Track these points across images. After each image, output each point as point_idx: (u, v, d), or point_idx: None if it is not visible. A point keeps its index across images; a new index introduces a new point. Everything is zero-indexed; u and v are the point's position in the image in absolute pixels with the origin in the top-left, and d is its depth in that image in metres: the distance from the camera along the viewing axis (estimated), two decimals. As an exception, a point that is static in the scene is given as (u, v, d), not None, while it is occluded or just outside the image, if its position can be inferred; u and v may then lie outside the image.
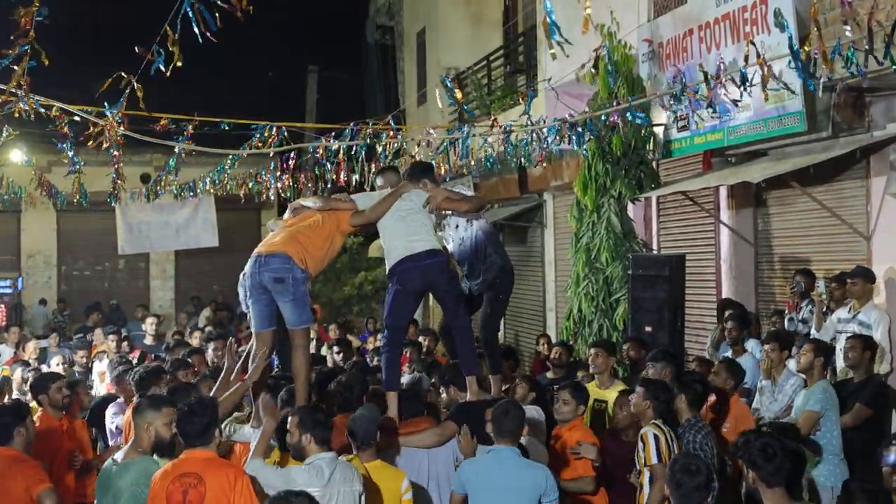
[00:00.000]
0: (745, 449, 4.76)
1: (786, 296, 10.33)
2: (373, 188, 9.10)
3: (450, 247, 7.68)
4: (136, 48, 7.02)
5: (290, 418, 5.79)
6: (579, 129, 9.68)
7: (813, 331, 8.92)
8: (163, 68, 6.94)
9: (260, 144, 10.37)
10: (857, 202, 9.66)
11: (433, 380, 8.10)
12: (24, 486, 5.98)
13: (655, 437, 6.19)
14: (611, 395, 8.08)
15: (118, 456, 5.81)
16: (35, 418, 7.06)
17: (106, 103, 7.97)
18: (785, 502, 4.73)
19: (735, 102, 8.24)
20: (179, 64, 6.85)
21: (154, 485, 5.34)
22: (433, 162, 11.22)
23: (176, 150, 10.11)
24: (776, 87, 7.48)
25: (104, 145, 8.22)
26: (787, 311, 9.86)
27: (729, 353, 9.26)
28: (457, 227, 7.66)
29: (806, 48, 6.97)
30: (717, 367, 8.01)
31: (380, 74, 25.90)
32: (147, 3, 6.79)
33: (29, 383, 7.70)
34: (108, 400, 8.36)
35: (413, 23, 22.81)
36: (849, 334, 8.13)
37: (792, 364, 8.29)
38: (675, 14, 11.23)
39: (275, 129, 10.38)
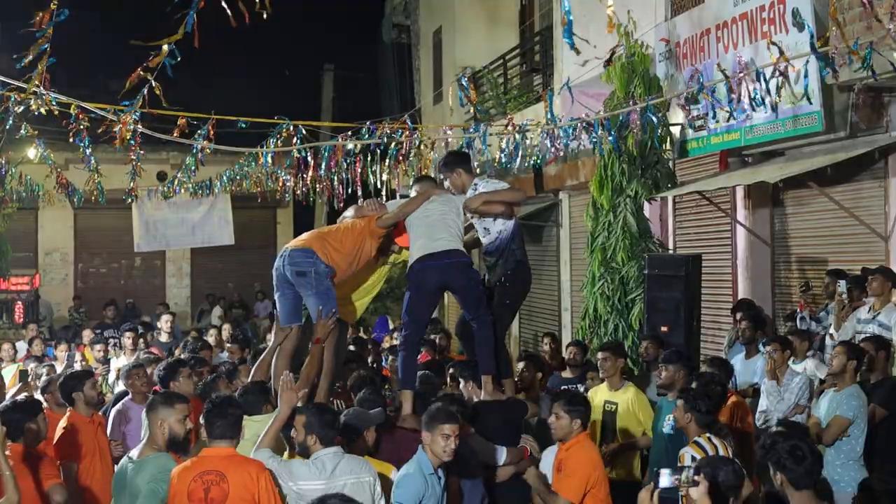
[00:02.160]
0: (772, 450, 4.60)
1: (799, 297, 10.30)
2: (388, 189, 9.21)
3: (483, 240, 7.61)
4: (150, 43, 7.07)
5: (296, 416, 5.77)
6: (596, 130, 9.67)
7: (832, 330, 8.88)
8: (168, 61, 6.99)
9: (280, 143, 10.41)
10: (875, 202, 9.61)
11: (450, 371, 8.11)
12: (35, 482, 6.05)
13: (693, 459, 5.59)
14: (622, 396, 8.07)
15: (133, 453, 5.83)
16: (64, 418, 7.14)
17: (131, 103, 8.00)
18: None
19: (752, 103, 8.20)
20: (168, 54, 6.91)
21: (174, 482, 5.35)
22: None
23: (195, 149, 10.16)
24: (800, 86, 7.46)
25: (120, 140, 8.26)
26: (798, 311, 9.83)
27: (742, 354, 9.26)
28: (491, 220, 7.57)
29: (824, 47, 6.96)
30: (704, 367, 8.01)
31: (396, 73, 25.90)
32: (163, 2, 6.79)
33: (61, 381, 7.73)
34: (124, 396, 8.37)
35: (429, 22, 22.80)
36: (867, 335, 8.08)
37: (800, 366, 8.31)
38: (692, 14, 11.19)
39: (292, 128, 10.41)
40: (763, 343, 9.10)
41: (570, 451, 6.19)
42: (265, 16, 6.34)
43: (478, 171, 11.79)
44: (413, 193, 7.69)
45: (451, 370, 8.10)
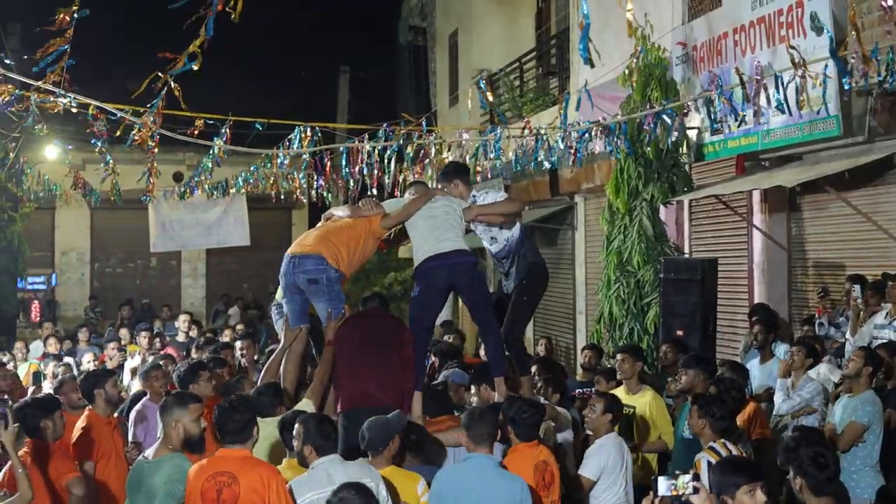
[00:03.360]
0: (794, 455, 4.60)
1: (817, 302, 10.25)
2: (403, 191, 9.22)
3: (491, 248, 7.69)
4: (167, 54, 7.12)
5: (296, 425, 5.75)
6: (613, 134, 9.65)
7: (848, 336, 8.84)
8: (194, 67, 7.04)
9: (296, 145, 10.43)
10: (892, 207, 9.57)
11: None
12: (53, 476, 6.12)
13: (710, 465, 5.61)
14: (640, 400, 8.04)
15: (149, 453, 5.86)
16: (83, 417, 7.19)
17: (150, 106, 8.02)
18: None
19: (769, 108, 8.17)
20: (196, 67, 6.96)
21: (190, 480, 5.39)
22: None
23: (212, 151, 10.19)
24: (818, 91, 7.42)
25: (138, 140, 8.29)
26: (817, 316, 9.78)
27: (757, 359, 9.22)
28: (496, 228, 7.65)
29: (842, 52, 6.94)
30: (721, 371, 8.00)
31: (411, 75, 25.92)
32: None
33: (83, 378, 7.81)
34: (141, 396, 8.41)
35: (446, 24, 22.81)
36: (884, 340, 8.04)
37: (812, 371, 8.27)
38: (709, 17, 11.16)
39: (309, 130, 10.43)
40: (781, 345, 9.10)
41: (509, 457, 6.11)
42: (232, 17, 6.38)
43: (490, 174, 11.82)
44: (410, 193, 7.75)
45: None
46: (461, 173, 7.76)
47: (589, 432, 7.12)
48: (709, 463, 5.73)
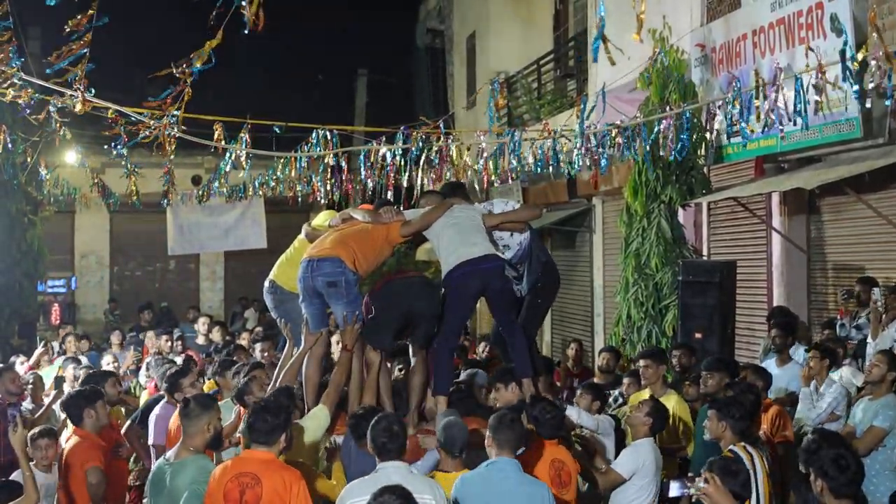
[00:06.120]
0: (815, 457, 4.58)
1: (839, 304, 10.18)
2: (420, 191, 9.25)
3: (505, 255, 7.74)
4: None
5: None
6: (632, 137, 9.60)
7: (869, 339, 8.78)
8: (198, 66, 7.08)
9: (314, 147, 10.45)
10: (913, 210, 9.50)
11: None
12: (80, 462, 6.59)
13: None
14: (666, 403, 8.00)
15: (170, 455, 5.91)
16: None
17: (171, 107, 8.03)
18: None
19: (789, 113, 8.11)
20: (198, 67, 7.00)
21: (212, 481, 5.44)
22: (479, 169, 11.25)
23: (230, 154, 10.22)
24: (839, 92, 7.38)
25: (150, 137, 8.32)
26: (839, 318, 9.72)
27: (774, 361, 9.18)
28: (508, 236, 7.72)
29: (863, 53, 6.90)
30: (744, 374, 7.95)
31: (429, 79, 25.94)
32: (195, 7, 6.88)
33: (81, 380, 7.98)
34: (158, 401, 8.43)
35: (463, 27, 22.83)
36: (905, 344, 7.99)
37: (835, 374, 8.20)
38: (728, 19, 11.11)
39: (328, 134, 10.44)
40: (800, 347, 9.04)
41: (529, 450, 6.08)
42: (259, 28, 6.41)
43: (514, 176, 11.79)
44: (422, 203, 7.82)
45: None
46: (459, 190, 7.85)
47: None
48: None
